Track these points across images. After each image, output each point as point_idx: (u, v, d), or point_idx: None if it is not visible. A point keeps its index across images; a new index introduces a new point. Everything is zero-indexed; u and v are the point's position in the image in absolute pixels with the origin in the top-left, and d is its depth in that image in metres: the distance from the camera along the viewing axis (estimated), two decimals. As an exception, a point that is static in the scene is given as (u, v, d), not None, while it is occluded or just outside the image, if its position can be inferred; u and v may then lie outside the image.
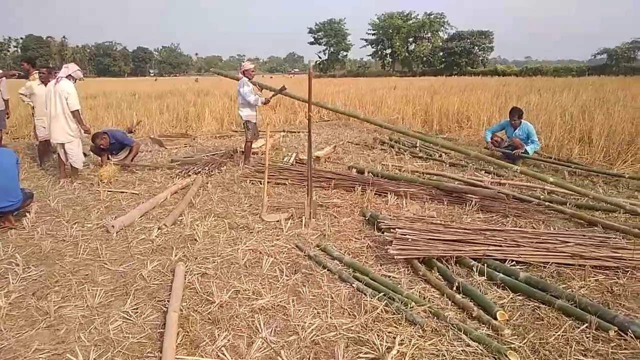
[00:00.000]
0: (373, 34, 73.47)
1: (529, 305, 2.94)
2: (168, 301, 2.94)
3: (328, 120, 13.34)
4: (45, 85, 6.57)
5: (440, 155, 7.79)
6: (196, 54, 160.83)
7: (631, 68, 42.23)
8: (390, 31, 70.66)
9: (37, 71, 7.07)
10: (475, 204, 4.91)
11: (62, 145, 6.29)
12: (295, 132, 10.95)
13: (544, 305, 2.90)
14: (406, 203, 5.12)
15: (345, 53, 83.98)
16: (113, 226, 4.34)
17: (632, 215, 4.57)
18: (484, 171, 6.67)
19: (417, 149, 8.36)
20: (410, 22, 70.77)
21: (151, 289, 3.22)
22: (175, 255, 3.74)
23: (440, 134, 10.61)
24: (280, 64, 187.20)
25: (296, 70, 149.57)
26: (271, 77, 55.10)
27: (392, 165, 6.94)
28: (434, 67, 65.02)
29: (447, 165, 7.13)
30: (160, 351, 2.44)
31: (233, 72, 8.71)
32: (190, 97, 18.74)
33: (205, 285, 3.21)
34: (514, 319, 2.78)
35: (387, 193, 5.36)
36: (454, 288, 3.10)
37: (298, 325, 2.71)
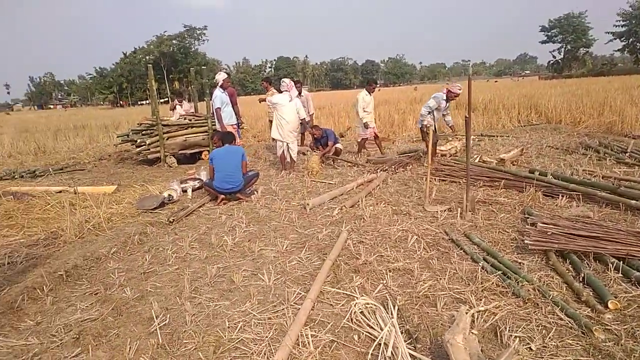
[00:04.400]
0: (623, 26, 61.97)
1: (657, 302, 2.91)
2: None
3: (537, 124, 12.67)
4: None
5: (654, 162, 6.89)
6: (420, 63, 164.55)
7: None
8: (648, 19, 58.66)
9: (273, 87, 9.27)
10: (659, 211, 4.51)
11: (288, 144, 8.14)
12: (493, 135, 10.91)
13: (674, 304, 2.84)
14: (577, 205, 5.02)
15: (585, 50, 73.41)
16: (308, 204, 5.68)
17: None
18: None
19: (627, 154, 7.52)
20: (682, 3, 57.29)
21: (321, 246, 4.33)
22: (345, 227, 4.79)
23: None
24: (508, 66, 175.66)
25: (527, 72, 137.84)
26: (496, 82, 52.62)
27: (583, 170, 6.57)
28: None
29: (656, 172, 6.33)
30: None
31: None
32: (402, 105, 20.03)
33: (358, 249, 4.14)
34: (629, 309, 2.84)
35: (559, 195, 5.33)
36: (579, 278, 3.24)
37: (417, 283, 3.39)
